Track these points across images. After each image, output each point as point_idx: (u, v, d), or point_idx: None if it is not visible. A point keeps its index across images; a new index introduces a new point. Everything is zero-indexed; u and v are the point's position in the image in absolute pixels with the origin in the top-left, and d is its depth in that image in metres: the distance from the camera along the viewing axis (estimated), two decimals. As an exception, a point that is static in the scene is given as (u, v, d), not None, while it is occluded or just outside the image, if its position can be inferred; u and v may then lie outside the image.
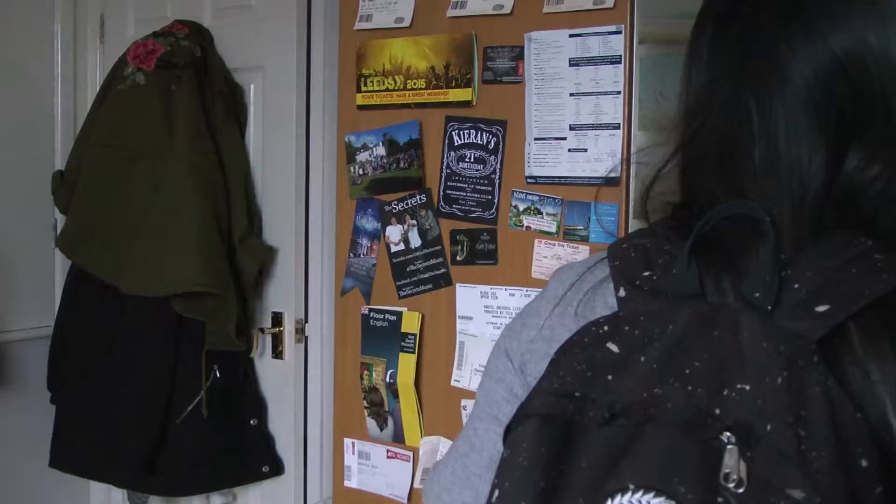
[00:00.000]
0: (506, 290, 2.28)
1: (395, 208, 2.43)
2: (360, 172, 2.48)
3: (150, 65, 2.80)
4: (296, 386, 2.83)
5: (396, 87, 2.41)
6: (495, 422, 1.05)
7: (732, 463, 0.74)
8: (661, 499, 0.73)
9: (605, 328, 0.87)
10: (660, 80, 5.00)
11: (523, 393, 0.97)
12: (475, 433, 1.08)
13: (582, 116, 2.18)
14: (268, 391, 2.92)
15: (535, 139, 2.23)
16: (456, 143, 2.33)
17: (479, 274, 2.32)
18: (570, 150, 2.19)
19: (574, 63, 2.18)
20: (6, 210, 3.14)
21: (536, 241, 2.24)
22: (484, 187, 2.30)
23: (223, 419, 2.80)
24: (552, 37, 2.21)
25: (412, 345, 2.41)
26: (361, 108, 2.48)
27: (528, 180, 2.24)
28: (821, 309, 0.80)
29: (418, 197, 2.40)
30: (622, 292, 0.90)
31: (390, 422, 2.47)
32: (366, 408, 2.51)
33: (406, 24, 2.41)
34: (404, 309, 2.44)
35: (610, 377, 0.83)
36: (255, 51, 2.87)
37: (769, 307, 0.81)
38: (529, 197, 2.24)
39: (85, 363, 2.94)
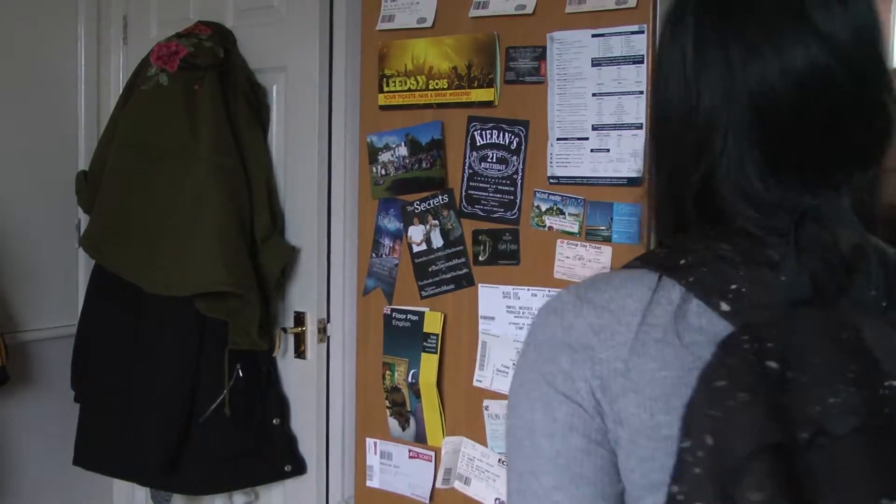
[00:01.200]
0: (528, 290, 2.28)
1: (418, 208, 2.43)
2: (383, 173, 2.49)
3: (174, 66, 2.82)
4: (318, 385, 2.84)
5: (419, 88, 2.41)
6: (583, 481, 0.93)
7: None
8: None
9: (747, 346, 0.83)
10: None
11: (602, 438, 0.92)
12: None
13: (604, 116, 2.17)
14: (290, 391, 2.92)
15: (558, 139, 2.23)
16: (478, 144, 2.33)
17: (501, 274, 2.32)
18: (592, 151, 2.19)
19: (596, 63, 2.18)
20: (31, 210, 3.16)
21: (559, 241, 2.24)
22: (506, 187, 2.30)
23: (246, 418, 2.81)
24: (574, 37, 2.20)
25: (434, 345, 2.41)
26: (384, 108, 2.48)
27: (551, 180, 2.24)
28: None
29: (440, 197, 2.40)
30: (725, 307, 0.89)
31: (412, 422, 2.47)
32: (388, 407, 2.51)
33: (428, 24, 2.41)
34: (426, 309, 2.44)
35: (783, 397, 0.81)
36: (278, 52, 2.88)
37: (883, 304, 0.84)
38: (552, 197, 2.24)
39: (108, 362, 2.95)
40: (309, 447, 2.90)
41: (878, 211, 0.98)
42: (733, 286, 0.89)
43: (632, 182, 2.14)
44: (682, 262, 0.93)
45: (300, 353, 2.85)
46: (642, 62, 2.13)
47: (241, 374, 2.79)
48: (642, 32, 2.12)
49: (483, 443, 2.37)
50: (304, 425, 2.90)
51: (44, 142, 3.21)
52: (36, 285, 3.20)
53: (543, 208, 2.25)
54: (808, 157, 0.94)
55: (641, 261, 0.98)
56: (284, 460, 2.88)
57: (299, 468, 2.90)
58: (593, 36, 2.18)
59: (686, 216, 0.99)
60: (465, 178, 2.36)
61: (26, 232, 3.15)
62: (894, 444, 0.78)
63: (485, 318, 2.35)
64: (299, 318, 2.85)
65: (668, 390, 0.89)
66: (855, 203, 0.94)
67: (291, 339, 2.89)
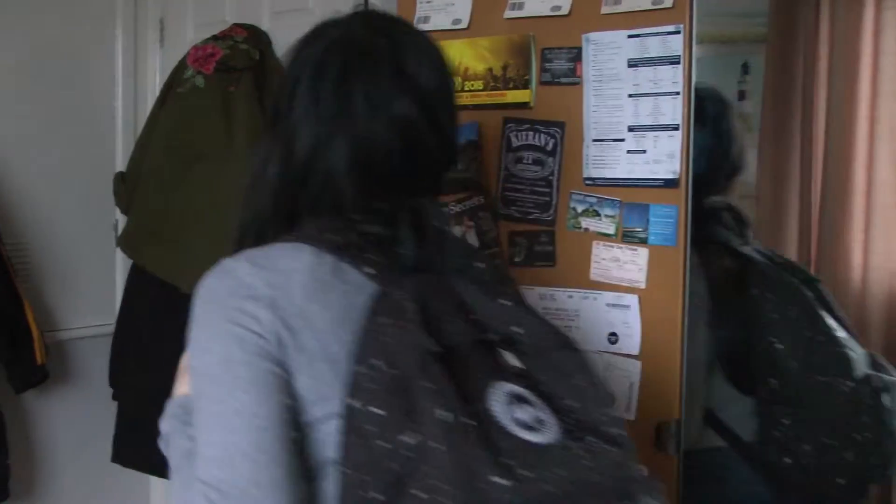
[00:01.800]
0: (564, 291, 2.27)
1: (453, 210, 2.43)
2: (418, 174, 2.49)
3: (210, 68, 2.83)
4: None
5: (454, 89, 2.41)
6: (272, 394, 1.21)
7: (511, 357, 1.22)
8: (512, 384, 1.19)
9: (396, 295, 1.24)
10: (716, 80, 4.95)
11: (282, 366, 1.23)
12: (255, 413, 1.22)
13: (641, 117, 2.16)
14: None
15: (594, 140, 2.22)
16: (514, 145, 2.33)
17: (537, 275, 2.32)
18: (628, 152, 2.18)
19: (632, 64, 2.17)
20: (69, 210, 3.19)
21: (594, 242, 2.23)
22: (542, 189, 2.29)
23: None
24: (610, 37, 2.20)
25: (470, 346, 2.40)
26: (419, 109, 2.48)
27: (587, 182, 2.23)
28: (479, 265, 1.38)
29: (476, 199, 2.40)
30: (368, 269, 1.28)
31: (449, 422, 2.47)
32: (424, 408, 2.51)
33: (463, 25, 2.41)
34: (462, 310, 2.44)
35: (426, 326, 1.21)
36: (313, 53, 2.89)
37: (468, 270, 1.34)
38: (588, 199, 2.23)
39: (146, 360, 2.98)
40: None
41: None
42: (370, 256, 1.29)
43: (668, 183, 2.13)
44: (331, 238, 1.30)
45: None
46: (679, 63, 2.11)
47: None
48: (679, 33, 2.11)
49: (519, 444, 2.36)
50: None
51: (82, 143, 3.24)
52: (74, 285, 3.23)
53: (579, 210, 2.24)
54: (405, 172, 1.38)
55: (296, 237, 1.33)
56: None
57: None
58: (629, 37, 2.17)
59: (300, 210, 1.38)
60: (501, 180, 2.36)
61: (65, 232, 3.18)
62: (487, 355, 1.21)
63: (521, 319, 2.34)
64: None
65: (334, 326, 1.24)
66: (440, 203, 1.44)
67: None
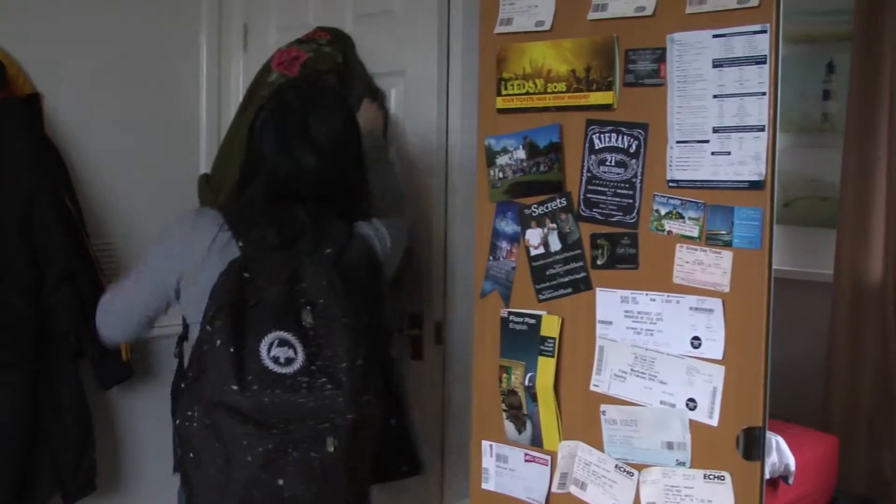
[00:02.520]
0: (646, 295, 2.26)
1: (535, 212, 2.43)
2: (500, 176, 2.49)
3: (294, 71, 2.86)
4: (435, 387, 2.86)
5: (537, 91, 2.41)
6: (153, 297, 2.33)
7: (308, 315, 2.11)
8: (284, 332, 2.09)
9: (240, 263, 2.14)
10: (800, 80, 4.88)
11: (171, 288, 2.30)
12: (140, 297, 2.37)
13: (725, 119, 2.14)
14: (407, 392, 2.95)
15: (678, 142, 2.20)
16: (596, 147, 2.32)
17: (619, 278, 2.30)
18: (712, 153, 2.16)
19: (717, 64, 2.14)
20: (154, 212, 3.25)
21: (678, 245, 2.21)
22: (625, 191, 2.28)
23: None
24: (695, 38, 2.17)
25: (551, 348, 2.40)
26: (501, 111, 2.48)
27: (670, 184, 2.21)
28: (328, 251, 2.22)
29: (558, 200, 2.39)
30: (241, 244, 2.17)
31: (528, 425, 2.47)
32: (504, 410, 2.51)
33: (546, 27, 2.40)
34: (544, 312, 2.43)
35: (247, 289, 2.11)
36: (397, 55, 2.90)
37: (314, 251, 2.20)
38: (671, 201, 2.21)
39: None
40: (425, 448, 2.92)
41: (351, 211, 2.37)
42: (250, 235, 2.17)
43: (753, 185, 2.10)
44: (234, 218, 2.23)
45: (417, 354, 2.87)
46: (765, 62, 2.08)
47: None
48: (765, 32, 2.08)
49: (599, 448, 2.35)
50: (420, 427, 2.93)
51: (167, 146, 3.30)
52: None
53: (663, 212, 2.22)
54: (292, 191, 2.27)
55: (220, 210, 2.30)
56: (400, 461, 2.90)
57: (415, 469, 2.92)
58: (714, 36, 2.15)
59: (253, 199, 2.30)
60: (584, 182, 2.35)
61: (150, 233, 3.24)
62: (289, 311, 2.09)
63: (602, 322, 2.33)
64: (416, 321, 2.87)
65: (213, 278, 2.13)
66: (322, 216, 2.28)
67: (409, 341, 2.91)
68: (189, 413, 2.09)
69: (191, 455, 2.10)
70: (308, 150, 2.24)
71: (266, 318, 2.06)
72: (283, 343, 2.02)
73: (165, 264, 2.29)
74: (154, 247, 2.36)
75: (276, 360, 2.01)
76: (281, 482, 2.02)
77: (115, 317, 2.37)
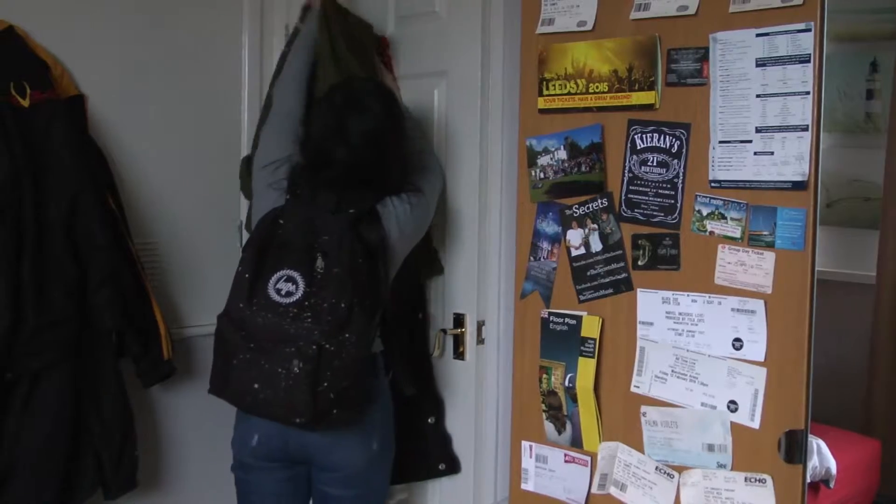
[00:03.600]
0: (688, 296, 2.25)
1: (577, 212, 2.42)
2: (542, 176, 2.48)
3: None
4: (476, 387, 2.85)
5: (578, 91, 2.40)
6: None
7: (320, 261, 2.49)
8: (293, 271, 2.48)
9: (278, 211, 2.59)
10: (843, 79, 4.82)
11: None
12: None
13: (768, 118, 2.12)
14: (446, 391, 2.95)
15: (720, 142, 2.19)
16: (638, 147, 2.31)
17: (660, 279, 2.29)
18: (755, 153, 2.14)
19: (761, 63, 2.13)
20: (196, 212, 3.27)
21: (720, 246, 2.19)
22: (666, 191, 2.27)
23: (403, 416, 2.84)
24: (738, 37, 2.16)
25: (592, 349, 2.39)
26: (543, 111, 2.48)
27: (712, 184, 2.20)
28: (351, 211, 2.54)
29: (600, 201, 2.38)
30: (288, 197, 2.61)
31: (568, 426, 2.47)
32: (544, 411, 2.51)
33: (588, 27, 2.40)
34: (584, 313, 2.43)
35: (277, 232, 2.56)
36: (439, 56, 2.90)
37: (337, 210, 2.55)
38: (713, 201, 2.20)
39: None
40: (464, 447, 2.92)
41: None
42: (296, 191, 2.61)
43: (797, 186, 2.08)
44: (293, 188, 2.63)
45: (459, 354, 2.87)
46: (809, 61, 2.07)
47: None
48: (809, 30, 2.06)
49: (640, 449, 2.34)
50: (459, 425, 2.93)
51: (209, 148, 3.31)
52: (199, 283, 3.31)
53: (705, 213, 2.21)
54: (330, 168, 2.58)
55: (287, 180, 2.66)
56: (439, 459, 2.91)
57: (453, 467, 2.92)
58: (758, 35, 2.13)
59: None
60: (625, 182, 2.34)
61: (191, 232, 3.26)
62: (305, 254, 2.52)
63: (643, 323, 2.32)
64: (459, 320, 2.88)
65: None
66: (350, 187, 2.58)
67: (451, 340, 2.91)
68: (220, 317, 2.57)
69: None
70: (341, 143, 2.56)
71: (283, 258, 2.49)
72: (289, 279, 2.46)
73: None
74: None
75: (278, 291, 2.45)
76: (256, 386, 2.43)
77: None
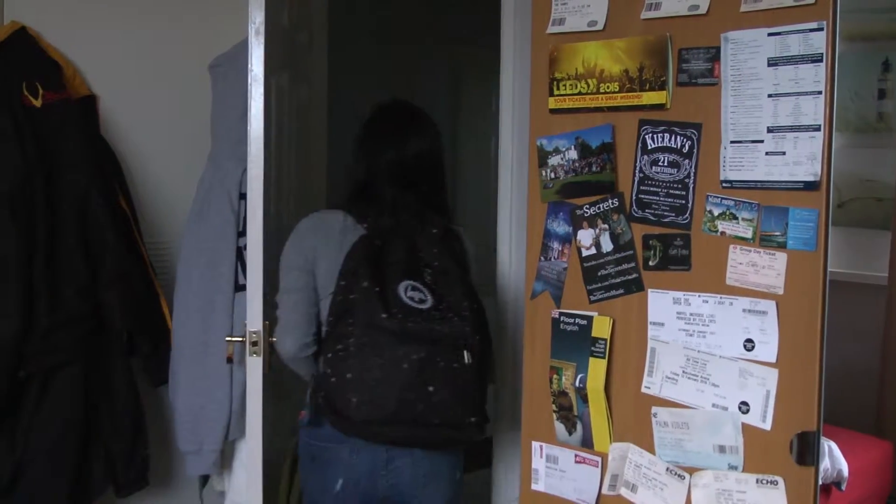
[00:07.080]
0: (699, 296, 2.24)
1: (587, 212, 2.42)
2: (552, 176, 2.48)
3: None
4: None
5: (589, 91, 2.40)
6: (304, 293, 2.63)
7: (427, 274, 2.56)
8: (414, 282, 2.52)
9: (370, 235, 2.58)
10: (854, 79, 4.80)
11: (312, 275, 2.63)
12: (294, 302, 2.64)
13: (780, 118, 2.11)
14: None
15: (731, 142, 2.18)
16: (649, 147, 2.30)
17: (671, 280, 2.29)
18: (767, 154, 2.13)
19: (773, 63, 2.12)
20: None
21: (731, 246, 2.19)
22: (677, 191, 2.26)
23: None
24: (750, 36, 2.15)
25: (603, 350, 2.39)
26: (553, 111, 2.47)
27: (724, 184, 2.19)
28: (433, 231, 2.65)
29: (610, 201, 2.38)
30: (366, 225, 2.61)
31: (579, 426, 2.46)
32: (554, 411, 2.51)
33: (599, 27, 2.39)
34: (595, 313, 2.42)
35: (379, 252, 2.56)
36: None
37: (422, 230, 2.65)
38: (724, 202, 2.19)
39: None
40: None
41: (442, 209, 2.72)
42: (370, 221, 2.61)
43: (809, 186, 2.07)
44: (357, 211, 2.65)
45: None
46: (821, 61, 2.06)
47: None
48: (822, 30, 2.05)
49: (650, 450, 2.34)
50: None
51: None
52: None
53: (716, 213, 2.20)
54: (386, 192, 2.66)
55: (340, 208, 2.68)
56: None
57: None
58: (769, 35, 2.12)
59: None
60: (636, 182, 2.33)
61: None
62: (413, 268, 2.55)
63: (654, 323, 2.32)
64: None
65: (341, 250, 2.58)
66: (424, 207, 2.67)
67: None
68: (338, 346, 2.47)
69: (348, 376, 2.43)
70: (394, 163, 2.65)
71: (398, 272, 2.50)
72: (414, 289, 2.49)
73: (300, 257, 2.64)
74: (286, 250, 2.67)
75: (412, 299, 2.46)
76: (431, 388, 2.40)
77: (292, 326, 2.63)
